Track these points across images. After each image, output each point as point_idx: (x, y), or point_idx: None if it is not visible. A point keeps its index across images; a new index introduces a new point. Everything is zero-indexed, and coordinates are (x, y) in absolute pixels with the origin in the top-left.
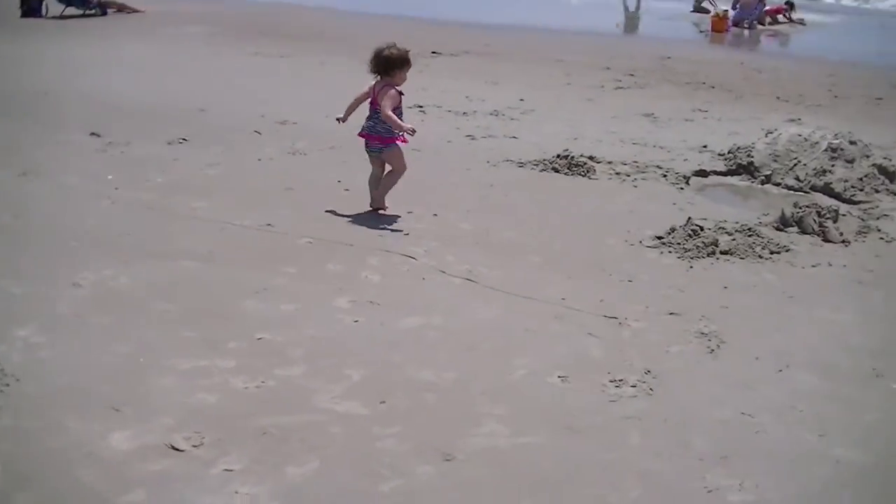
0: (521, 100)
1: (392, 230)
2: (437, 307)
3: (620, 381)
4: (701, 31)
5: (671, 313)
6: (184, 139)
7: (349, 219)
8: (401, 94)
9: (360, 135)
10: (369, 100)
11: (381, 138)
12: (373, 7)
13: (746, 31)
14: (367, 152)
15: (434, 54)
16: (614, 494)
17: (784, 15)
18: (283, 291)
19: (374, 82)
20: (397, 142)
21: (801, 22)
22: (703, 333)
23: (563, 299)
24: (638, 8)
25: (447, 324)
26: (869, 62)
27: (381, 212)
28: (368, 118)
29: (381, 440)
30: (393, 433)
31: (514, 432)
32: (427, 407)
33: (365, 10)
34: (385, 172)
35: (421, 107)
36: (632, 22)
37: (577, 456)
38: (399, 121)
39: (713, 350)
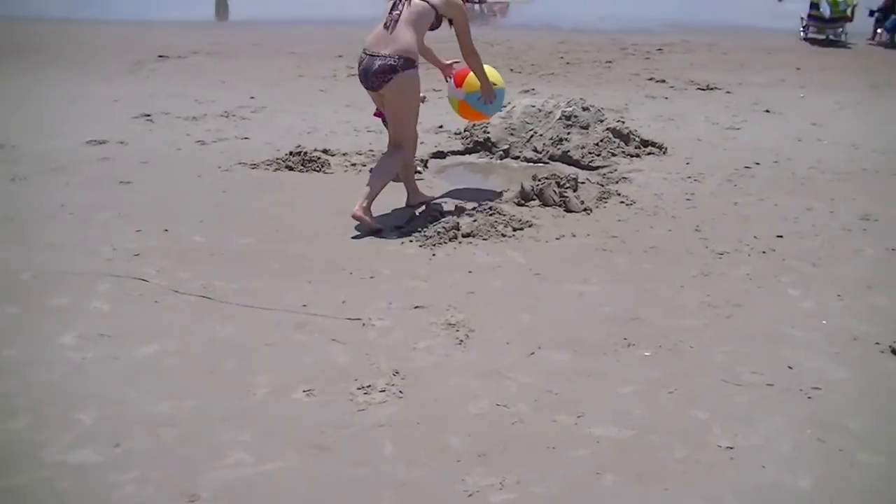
0: (252, 97)
1: (120, 251)
2: (172, 331)
3: (368, 387)
4: None
5: (416, 307)
6: None
7: (76, 245)
8: None
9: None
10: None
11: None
12: (93, 12)
13: (477, 7)
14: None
15: (161, 58)
16: None
17: None
18: (2, 335)
19: None
20: None
21: None
22: (450, 324)
23: (304, 306)
24: None
25: (184, 348)
26: (597, 27)
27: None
28: None
29: (118, 489)
30: (131, 479)
31: (260, 459)
32: (167, 444)
33: (83, 16)
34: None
35: (148, 115)
36: None
37: (327, 476)
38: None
39: (462, 341)
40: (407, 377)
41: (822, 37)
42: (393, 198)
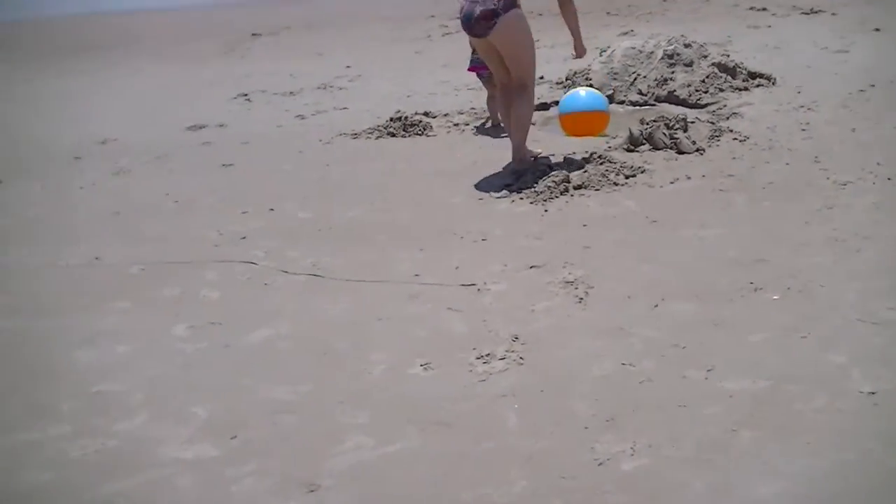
0: (348, 67)
1: (227, 235)
2: (283, 313)
3: (488, 355)
4: None
5: (532, 266)
6: None
7: (182, 233)
8: None
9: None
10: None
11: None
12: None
13: None
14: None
15: (254, 36)
16: (498, 491)
17: None
18: (116, 332)
19: None
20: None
21: None
22: (568, 282)
23: (417, 275)
24: None
25: (296, 330)
26: None
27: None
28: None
29: (237, 482)
30: (249, 471)
31: (380, 441)
32: (283, 432)
33: (170, 6)
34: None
35: (245, 95)
36: None
37: (451, 454)
38: None
39: (581, 299)
40: (527, 342)
41: None
42: (498, 154)
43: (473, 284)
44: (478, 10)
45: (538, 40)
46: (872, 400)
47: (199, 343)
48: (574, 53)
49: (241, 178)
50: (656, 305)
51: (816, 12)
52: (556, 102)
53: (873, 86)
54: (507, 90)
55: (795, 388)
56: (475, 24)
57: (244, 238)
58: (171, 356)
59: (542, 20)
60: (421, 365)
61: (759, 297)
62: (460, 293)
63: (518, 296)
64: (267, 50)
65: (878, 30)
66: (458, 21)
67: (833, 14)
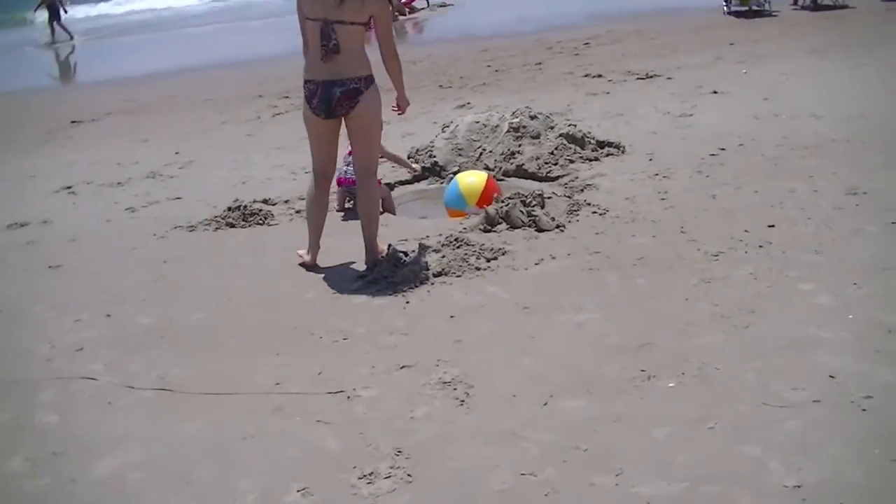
0: (177, 153)
1: (60, 348)
2: (133, 437)
3: (371, 474)
4: None
5: (402, 367)
6: None
7: (9, 347)
8: None
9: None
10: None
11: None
12: None
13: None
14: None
15: (74, 123)
16: None
17: None
18: None
19: None
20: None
21: (443, 3)
22: (445, 383)
23: (277, 384)
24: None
25: (150, 457)
26: (517, 30)
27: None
28: (347, 164)
29: None
30: None
31: None
32: None
33: None
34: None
35: (69, 187)
36: None
37: None
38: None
39: (463, 401)
40: (412, 455)
41: (745, 8)
42: (346, 241)
43: (342, 391)
44: (338, 92)
45: None
46: (800, 494)
47: (40, 478)
48: (397, 109)
49: (71, 280)
50: (545, 403)
51: (651, 77)
52: (401, 182)
53: (724, 149)
54: (326, 179)
55: (714, 488)
56: (337, 106)
57: (80, 350)
58: (8, 498)
59: None
60: (298, 490)
61: (653, 386)
62: (329, 402)
63: (393, 402)
64: (89, 137)
65: (715, 92)
66: (308, 105)
67: (668, 78)
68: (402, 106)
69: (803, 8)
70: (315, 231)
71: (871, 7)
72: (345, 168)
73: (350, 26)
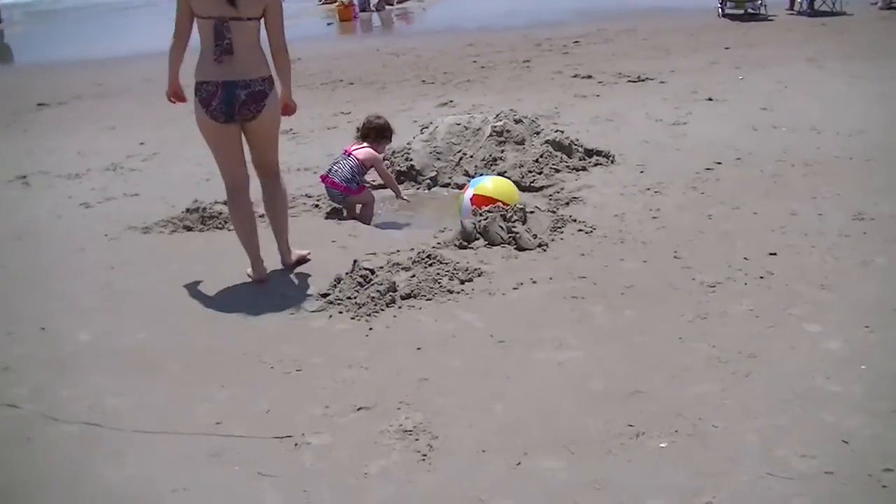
0: (142, 143)
1: None
2: (53, 485)
3: None
4: (329, 24)
5: (359, 408)
6: None
7: None
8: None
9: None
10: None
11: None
12: None
13: (375, 15)
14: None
15: (40, 106)
16: None
17: None
18: None
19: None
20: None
21: None
22: (406, 431)
23: (219, 423)
24: None
25: None
26: (506, 24)
27: None
28: (336, 163)
29: None
30: None
31: None
32: None
33: None
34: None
35: (24, 177)
36: None
37: None
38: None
39: (425, 455)
40: None
41: (741, 11)
42: (313, 253)
43: (289, 436)
44: (242, 94)
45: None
46: None
47: None
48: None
49: (8, 285)
50: (519, 463)
51: (644, 80)
52: (372, 186)
53: (720, 163)
54: (243, 191)
55: None
56: (241, 109)
57: (6, 369)
58: None
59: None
60: None
61: (642, 446)
62: (273, 449)
63: (346, 452)
64: (53, 122)
65: (710, 99)
66: (205, 109)
67: (662, 82)
68: (290, 109)
69: (800, 13)
70: (250, 248)
71: (867, 15)
72: (333, 167)
73: (247, 22)
